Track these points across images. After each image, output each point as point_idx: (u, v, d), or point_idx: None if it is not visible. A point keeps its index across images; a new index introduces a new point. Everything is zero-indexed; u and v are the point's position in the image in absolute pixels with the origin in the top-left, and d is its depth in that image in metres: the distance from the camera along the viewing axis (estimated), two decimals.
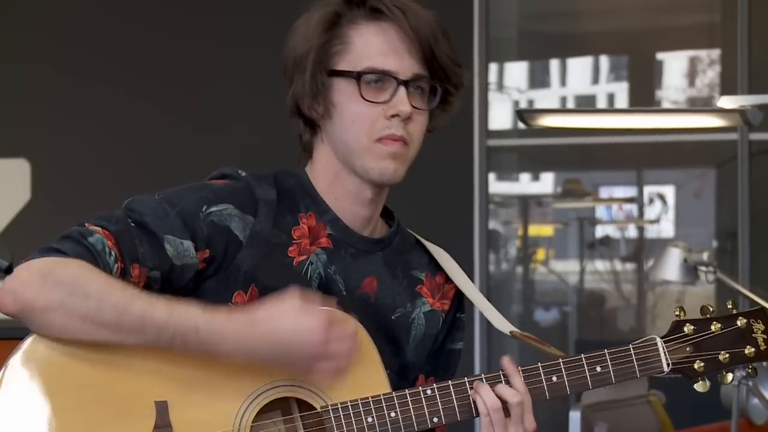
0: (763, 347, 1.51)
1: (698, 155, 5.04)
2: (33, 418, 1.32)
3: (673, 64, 5.18)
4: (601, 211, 5.24)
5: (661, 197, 5.08)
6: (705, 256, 2.57)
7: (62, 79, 5.34)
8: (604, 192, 5.32)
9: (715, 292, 4.48)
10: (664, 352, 1.46)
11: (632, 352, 1.45)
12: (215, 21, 5.06)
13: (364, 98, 1.41)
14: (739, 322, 1.50)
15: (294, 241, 1.45)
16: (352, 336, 1.37)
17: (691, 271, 2.52)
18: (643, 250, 5.13)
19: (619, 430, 2.65)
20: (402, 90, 1.40)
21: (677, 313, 1.50)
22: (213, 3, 5.19)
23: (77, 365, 1.34)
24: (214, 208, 1.41)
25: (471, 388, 1.41)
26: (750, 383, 2.38)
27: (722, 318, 1.50)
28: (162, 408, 1.35)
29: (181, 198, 1.41)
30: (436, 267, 1.57)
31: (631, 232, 5.30)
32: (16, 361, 1.32)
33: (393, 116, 1.43)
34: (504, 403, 1.38)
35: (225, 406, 1.38)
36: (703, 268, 2.52)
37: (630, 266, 5.19)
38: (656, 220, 5.06)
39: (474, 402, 1.40)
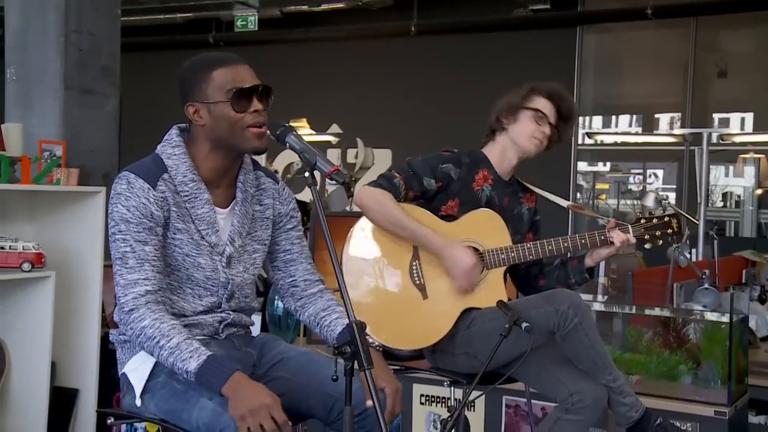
0: (676, 229, 2.93)
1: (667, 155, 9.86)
2: (363, 242, 2.90)
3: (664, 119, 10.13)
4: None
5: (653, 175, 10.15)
6: (664, 195, 7.37)
7: (411, 94, 9.39)
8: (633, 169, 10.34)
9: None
10: (633, 230, 2.92)
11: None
12: None
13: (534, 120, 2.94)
14: (666, 218, 2.94)
15: (476, 179, 2.96)
16: (477, 281, 2.82)
17: (656, 201, 7.16)
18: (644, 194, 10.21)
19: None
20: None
21: (639, 214, 2.97)
22: None
23: (379, 232, 2.90)
24: (443, 165, 2.92)
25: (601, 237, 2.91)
26: (679, 247, 4.31)
27: (659, 216, 2.94)
28: (416, 247, 2.90)
29: (430, 160, 2.92)
30: (526, 189, 3.11)
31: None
32: (361, 220, 2.92)
33: (543, 132, 2.94)
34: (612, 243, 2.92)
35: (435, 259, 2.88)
36: (663, 200, 7.47)
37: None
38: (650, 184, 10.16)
39: (611, 239, 2.88)
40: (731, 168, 9.23)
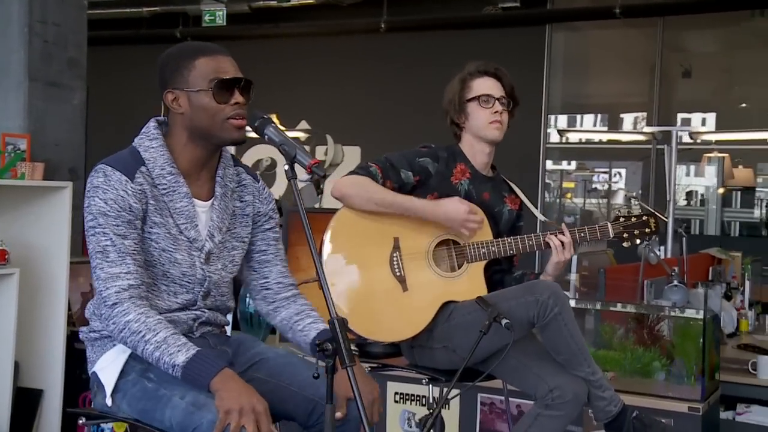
0: (654, 229, 2.94)
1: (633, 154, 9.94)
2: (342, 236, 2.84)
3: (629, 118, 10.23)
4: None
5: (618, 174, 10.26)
6: (631, 193, 7.48)
7: (381, 91, 9.30)
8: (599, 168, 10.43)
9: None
10: (612, 228, 2.94)
11: (600, 226, 2.93)
12: None
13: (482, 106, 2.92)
14: (644, 218, 2.96)
15: (454, 173, 2.94)
16: (480, 218, 2.84)
17: (626, 199, 7.33)
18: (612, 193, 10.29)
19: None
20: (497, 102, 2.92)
21: (618, 213, 2.99)
22: None
23: (360, 218, 2.84)
24: (421, 159, 2.91)
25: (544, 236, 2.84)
26: (649, 245, 4.26)
27: (637, 215, 2.96)
28: (396, 239, 2.84)
29: (407, 154, 2.90)
30: (511, 190, 3.08)
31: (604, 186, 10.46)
32: (338, 214, 2.87)
33: (496, 112, 2.90)
34: (562, 243, 2.85)
35: (423, 241, 2.87)
36: (632, 197, 7.53)
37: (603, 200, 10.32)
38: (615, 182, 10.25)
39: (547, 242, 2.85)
40: (695, 167, 9.30)
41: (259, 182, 2.38)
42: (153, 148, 2.17)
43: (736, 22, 8.98)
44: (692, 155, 9.05)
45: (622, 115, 10.42)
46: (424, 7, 9.16)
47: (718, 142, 8.60)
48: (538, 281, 2.80)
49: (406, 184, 2.90)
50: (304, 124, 9.31)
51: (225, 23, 9.45)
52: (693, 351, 3.27)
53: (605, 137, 9.73)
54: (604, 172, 10.14)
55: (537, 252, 3.20)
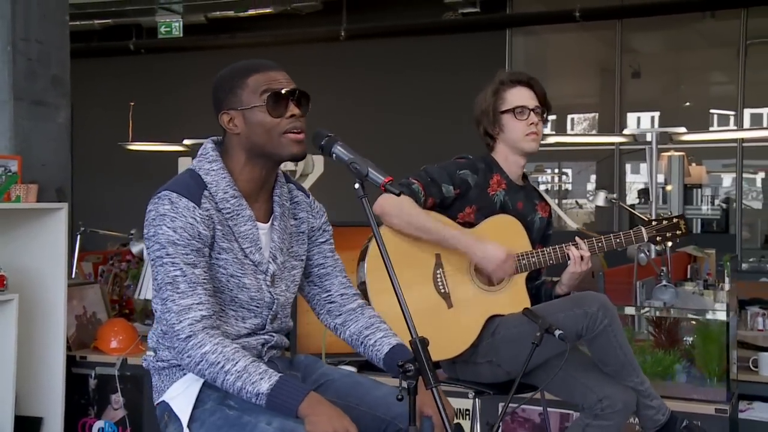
0: (684, 230, 2.95)
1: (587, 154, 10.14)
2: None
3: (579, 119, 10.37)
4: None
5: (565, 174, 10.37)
6: (612, 194, 7.50)
7: (345, 99, 9.14)
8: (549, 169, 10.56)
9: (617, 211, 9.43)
10: (646, 232, 2.94)
11: (635, 231, 2.92)
12: None
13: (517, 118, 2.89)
14: (675, 220, 2.96)
15: (491, 185, 2.92)
16: (512, 271, 2.80)
17: (607, 200, 7.20)
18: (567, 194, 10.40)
19: None
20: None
21: (648, 217, 3.29)
22: None
23: (400, 236, 2.81)
24: (460, 171, 2.88)
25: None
26: (640, 246, 4.16)
27: (668, 218, 2.96)
28: (438, 256, 2.84)
29: (447, 167, 2.88)
30: (541, 197, 3.11)
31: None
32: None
33: (532, 124, 2.88)
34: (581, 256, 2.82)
35: (461, 263, 2.85)
36: (613, 199, 7.55)
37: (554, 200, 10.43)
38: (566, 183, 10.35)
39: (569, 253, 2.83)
40: (647, 166, 9.46)
41: (309, 197, 2.34)
42: (214, 171, 2.11)
43: (686, 24, 9.18)
44: (644, 155, 9.21)
45: (571, 116, 10.61)
46: (384, 14, 9.15)
47: (674, 141, 8.76)
48: (586, 293, 2.78)
49: (447, 198, 2.87)
50: None
51: (181, 34, 9.32)
52: (716, 352, 3.30)
53: (571, 139, 9.81)
54: (557, 174, 10.27)
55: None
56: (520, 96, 2.93)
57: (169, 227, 2.02)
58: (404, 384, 1.89)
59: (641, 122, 10.21)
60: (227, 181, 2.11)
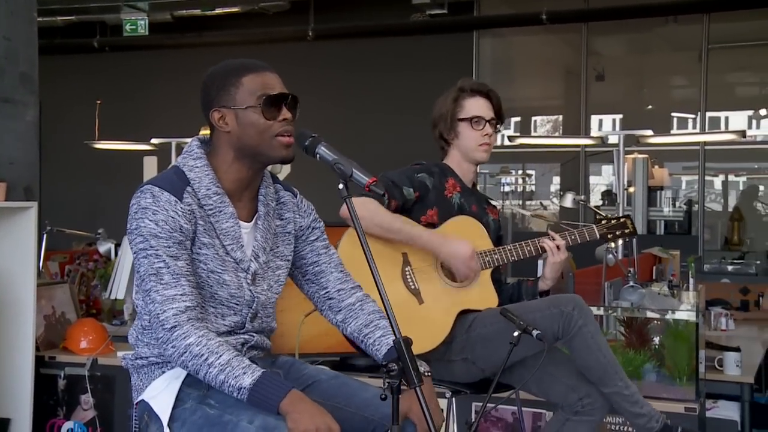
0: (632, 229, 3.12)
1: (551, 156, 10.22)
2: (352, 255, 2.60)
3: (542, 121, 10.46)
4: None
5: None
6: (579, 196, 7.54)
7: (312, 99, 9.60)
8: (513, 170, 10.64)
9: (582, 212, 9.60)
10: (597, 230, 3.08)
11: (587, 229, 3.06)
12: None
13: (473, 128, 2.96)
14: (621, 219, 3.15)
15: (447, 188, 3.01)
16: (478, 269, 2.85)
17: (575, 202, 7.26)
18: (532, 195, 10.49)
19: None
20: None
21: (599, 218, 3.14)
22: None
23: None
24: (418, 175, 2.95)
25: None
26: (608, 247, 4.24)
27: (616, 218, 3.15)
28: (405, 254, 2.90)
29: (406, 171, 2.93)
30: (488, 201, 3.18)
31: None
32: (346, 234, 2.87)
33: (486, 134, 2.95)
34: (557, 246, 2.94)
35: (428, 261, 2.91)
36: (580, 201, 7.61)
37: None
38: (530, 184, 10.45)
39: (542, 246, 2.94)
40: (612, 168, 9.56)
41: (297, 197, 2.34)
42: (198, 167, 2.12)
43: (649, 27, 9.30)
44: (609, 157, 9.33)
45: (535, 118, 10.69)
46: (352, 15, 9.17)
47: (639, 143, 8.88)
48: (561, 295, 2.83)
49: (408, 201, 2.92)
50: None
51: (147, 32, 9.24)
52: (686, 352, 3.35)
53: (537, 141, 9.89)
54: (523, 176, 10.35)
55: (539, 260, 3.26)
56: (478, 106, 3.01)
57: (151, 220, 2.03)
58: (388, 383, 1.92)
59: (604, 125, 10.33)
60: (210, 178, 2.12)
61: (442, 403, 3.09)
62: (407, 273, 2.88)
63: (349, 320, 2.32)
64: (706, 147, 9.00)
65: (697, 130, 9.25)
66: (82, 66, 9.72)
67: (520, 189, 10.70)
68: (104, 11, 9.35)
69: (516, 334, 2.53)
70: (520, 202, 10.51)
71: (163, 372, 2.11)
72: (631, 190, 9.24)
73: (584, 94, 9.33)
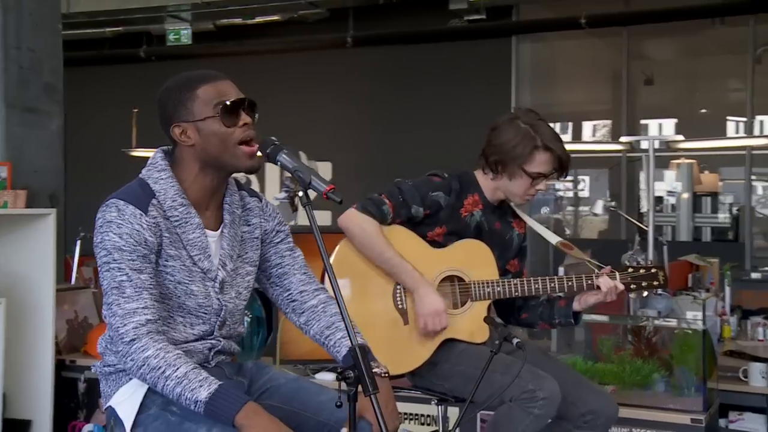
0: (662, 282, 2.88)
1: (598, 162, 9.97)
2: (346, 264, 2.79)
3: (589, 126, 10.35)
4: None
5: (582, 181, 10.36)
6: (610, 202, 7.48)
7: (350, 105, 9.36)
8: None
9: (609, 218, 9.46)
10: (620, 278, 2.84)
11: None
12: None
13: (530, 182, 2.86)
14: (653, 270, 2.89)
15: (464, 205, 2.90)
16: (440, 330, 2.76)
17: (605, 208, 7.31)
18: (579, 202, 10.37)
19: None
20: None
21: (627, 263, 3.53)
22: None
23: (358, 257, 2.82)
24: (433, 193, 2.85)
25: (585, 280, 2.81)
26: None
27: (646, 267, 2.90)
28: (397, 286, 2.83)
29: (420, 187, 2.84)
30: (515, 214, 3.03)
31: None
32: (342, 242, 2.84)
33: (537, 189, 2.89)
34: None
35: (427, 275, 2.80)
36: (611, 207, 7.50)
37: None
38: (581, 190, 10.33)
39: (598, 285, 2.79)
40: (664, 173, 9.42)
41: (262, 201, 2.36)
42: (163, 179, 2.14)
43: (697, 30, 9.12)
44: (661, 162, 9.17)
45: (586, 123, 10.54)
46: (390, 21, 9.16)
47: (685, 149, 8.73)
48: (549, 378, 2.68)
49: (415, 218, 2.87)
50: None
51: (190, 42, 9.38)
52: (693, 361, 3.28)
53: (582, 147, 9.76)
54: (570, 180, 10.22)
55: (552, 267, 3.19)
56: (545, 163, 2.86)
57: (115, 233, 2.04)
58: (344, 389, 1.91)
59: (656, 129, 10.15)
60: (176, 189, 2.14)
61: (431, 409, 3.09)
62: (398, 291, 2.86)
63: (312, 322, 2.32)
64: (754, 152, 8.78)
65: (744, 135, 9.03)
66: (128, 75, 9.90)
67: (570, 194, 10.59)
68: (149, 22, 9.51)
69: (497, 342, 2.51)
70: (572, 209, 10.38)
71: (130, 379, 2.13)
72: (685, 196, 9.11)
73: (625, 99, 9.19)
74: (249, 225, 2.29)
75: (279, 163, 2.11)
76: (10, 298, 3.79)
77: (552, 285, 2.85)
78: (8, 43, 4.32)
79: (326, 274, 2.68)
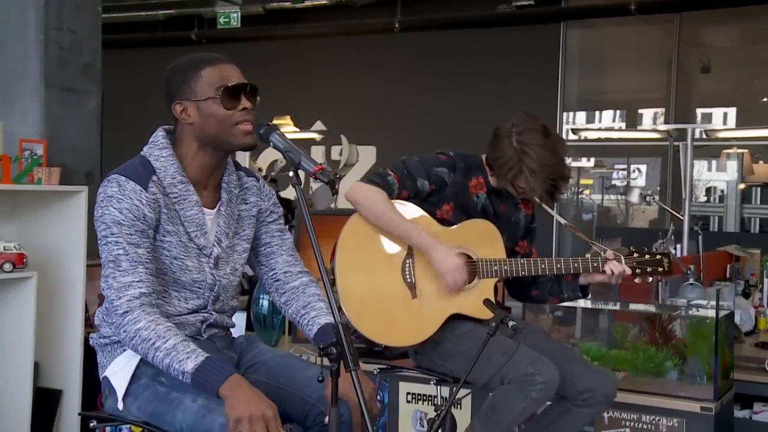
0: (667, 269, 2.91)
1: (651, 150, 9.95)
2: (356, 238, 2.81)
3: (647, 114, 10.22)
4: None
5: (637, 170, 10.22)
6: (647, 191, 7.43)
7: (396, 90, 9.49)
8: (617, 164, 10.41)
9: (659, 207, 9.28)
10: (625, 262, 2.89)
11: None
12: None
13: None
14: (658, 256, 2.92)
15: (469, 186, 2.93)
16: (462, 283, 2.78)
17: (641, 197, 7.30)
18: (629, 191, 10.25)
19: None
20: None
21: (632, 248, 2.93)
22: None
23: (367, 232, 2.84)
24: (438, 169, 2.89)
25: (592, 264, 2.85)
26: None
27: (652, 253, 2.92)
28: (411, 248, 2.84)
29: (425, 162, 2.88)
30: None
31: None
32: (353, 217, 2.84)
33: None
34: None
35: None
36: (647, 195, 7.50)
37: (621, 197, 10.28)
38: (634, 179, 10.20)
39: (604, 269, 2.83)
40: (714, 163, 9.26)
41: (259, 181, 2.42)
42: (163, 157, 2.21)
43: (755, 16, 8.93)
44: (711, 151, 9.01)
45: (640, 111, 10.39)
46: (438, 7, 9.17)
47: (737, 138, 8.56)
48: (549, 363, 2.69)
49: (422, 192, 2.90)
50: (319, 125, 9.32)
51: (239, 25, 9.51)
52: (705, 350, 3.26)
53: (621, 135, 9.65)
54: (623, 169, 10.10)
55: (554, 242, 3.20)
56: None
57: (115, 208, 2.12)
58: (327, 364, 1.95)
59: (714, 118, 9.97)
60: (176, 167, 2.20)
61: (431, 389, 3.11)
62: (407, 265, 2.87)
63: (291, 302, 2.38)
64: None
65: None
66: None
67: (623, 183, 10.47)
68: (200, 4, 9.68)
69: (493, 324, 2.52)
70: (623, 197, 10.27)
71: (124, 350, 2.21)
72: (741, 186, 8.94)
73: (674, 86, 9.04)
74: (246, 203, 2.36)
75: (271, 143, 2.15)
76: (42, 273, 3.91)
77: (558, 266, 2.88)
78: (49, 25, 4.43)
79: (335, 255, 2.80)
